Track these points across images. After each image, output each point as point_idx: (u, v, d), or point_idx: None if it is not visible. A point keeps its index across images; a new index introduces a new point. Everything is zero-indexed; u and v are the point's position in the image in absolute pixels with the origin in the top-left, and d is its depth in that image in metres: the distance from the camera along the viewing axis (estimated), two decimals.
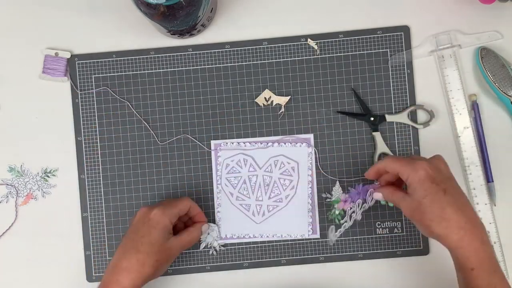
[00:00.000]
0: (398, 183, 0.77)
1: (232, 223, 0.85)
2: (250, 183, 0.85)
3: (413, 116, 0.85)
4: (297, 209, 0.84)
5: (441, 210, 0.68)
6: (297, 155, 0.85)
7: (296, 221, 0.84)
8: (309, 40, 0.85)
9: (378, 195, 0.76)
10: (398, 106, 0.85)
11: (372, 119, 0.84)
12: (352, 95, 0.85)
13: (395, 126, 0.85)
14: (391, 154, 0.84)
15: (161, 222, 0.75)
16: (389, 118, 0.85)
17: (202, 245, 0.84)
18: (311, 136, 0.85)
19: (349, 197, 0.79)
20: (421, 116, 0.85)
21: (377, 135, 0.84)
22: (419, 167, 0.70)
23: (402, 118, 0.85)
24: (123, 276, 0.73)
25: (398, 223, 0.85)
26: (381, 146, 0.84)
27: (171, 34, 0.83)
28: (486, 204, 0.84)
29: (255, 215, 0.85)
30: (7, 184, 0.86)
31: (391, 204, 0.77)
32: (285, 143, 0.85)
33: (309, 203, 0.84)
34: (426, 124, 0.84)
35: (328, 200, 0.84)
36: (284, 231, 0.85)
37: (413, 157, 0.73)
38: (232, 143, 0.85)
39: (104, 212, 0.85)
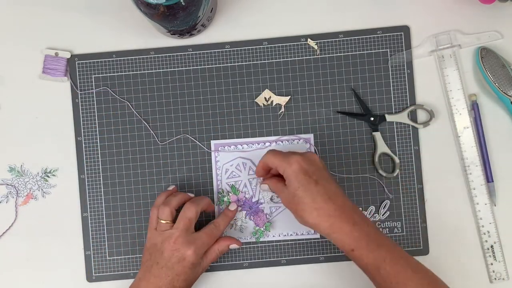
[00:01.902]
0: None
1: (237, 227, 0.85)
2: (251, 186, 0.85)
3: (413, 116, 0.85)
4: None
5: (312, 200, 0.72)
6: None
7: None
8: (309, 40, 0.85)
9: (264, 187, 0.81)
10: (398, 106, 0.85)
11: (372, 119, 0.84)
12: (352, 95, 0.85)
13: (395, 126, 0.85)
14: (391, 154, 0.84)
15: (196, 263, 0.77)
16: (389, 118, 0.85)
17: None
18: (311, 136, 0.85)
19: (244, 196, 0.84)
20: (421, 116, 0.85)
21: (377, 135, 0.84)
22: (293, 161, 0.73)
23: (402, 118, 0.85)
24: None
25: (398, 223, 0.85)
26: (381, 146, 0.84)
27: (171, 34, 0.83)
28: (486, 204, 0.84)
29: None
30: (7, 184, 0.86)
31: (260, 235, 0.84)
32: (282, 142, 0.85)
33: None
34: (426, 124, 0.84)
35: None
36: (290, 230, 0.85)
37: (289, 152, 0.76)
38: (230, 147, 0.85)
39: (104, 212, 0.85)
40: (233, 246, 0.82)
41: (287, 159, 0.74)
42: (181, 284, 0.76)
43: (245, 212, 0.84)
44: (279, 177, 0.78)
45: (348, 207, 0.73)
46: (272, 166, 0.76)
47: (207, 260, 0.79)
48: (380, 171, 0.84)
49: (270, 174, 0.80)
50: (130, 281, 0.84)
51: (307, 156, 0.75)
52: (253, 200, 0.84)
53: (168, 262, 0.76)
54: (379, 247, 0.72)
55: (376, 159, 0.84)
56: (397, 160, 0.84)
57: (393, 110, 0.85)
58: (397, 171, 0.84)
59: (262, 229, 0.84)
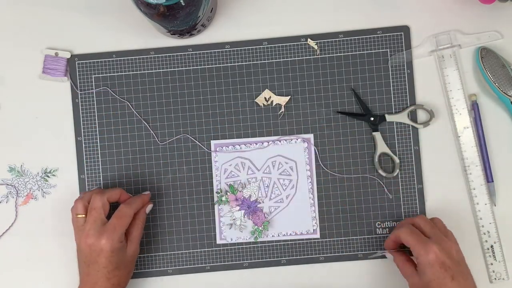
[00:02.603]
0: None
1: (236, 226, 0.85)
2: (249, 186, 0.85)
3: (413, 116, 0.85)
4: (300, 206, 0.84)
5: None
6: (294, 153, 0.85)
7: (300, 217, 0.84)
8: (309, 40, 0.85)
9: (389, 256, 0.80)
10: (398, 106, 0.85)
11: (372, 119, 0.84)
12: (352, 95, 0.85)
13: (395, 126, 0.85)
14: (391, 154, 0.84)
15: (115, 249, 0.75)
16: (389, 118, 0.85)
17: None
18: (311, 136, 0.85)
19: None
20: (421, 116, 0.85)
21: (377, 135, 0.84)
22: (430, 250, 0.72)
23: (402, 118, 0.85)
24: None
25: (398, 223, 0.85)
26: (381, 146, 0.84)
27: (171, 34, 0.83)
28: (486, 204, 0.84)
29: None
30: (7, 184, 0.86)
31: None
32: (280, 141, 0.85)
33: (310, 198, 0.84)
34: (426, 123, 0.84)
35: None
36: (289, 229, 0.85)
37: (426, 236, 0.74)
38: (228, 147, 0.85)
39: None
40: (149, 208, 0.81)
41: (424, 246, 0.72)
42: (115, 273, 0.76)
43: (244, 211, 0.84)
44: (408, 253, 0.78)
45: None
46: (406, 244, 0.74)
47: (133, 237, 0.78)
48: (380, 171, 0.84)
49: (397, 245, 0.79)
50: (130, 281, 0.84)
51: (446, 246, 0.73)
52: (252, 199, 0.85)
53: (91, 258, 0.75)
54: None
55: (376, 159, 0.84)
56: (397, 160, 0.84)
57: (393, 110, 0.85)
58: (397, 171, 0.84)
59: (260, 228, 0.84)
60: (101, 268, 0.75)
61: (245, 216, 0.84)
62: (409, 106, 0.85)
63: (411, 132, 0.85)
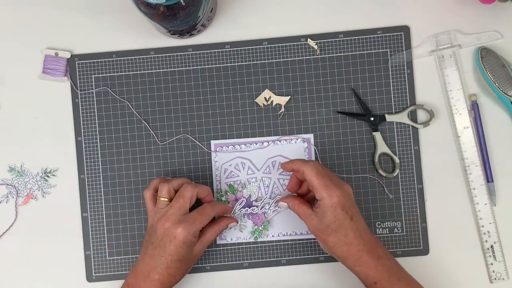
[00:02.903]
0: (302, 190, 0.81)
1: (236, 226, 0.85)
2: (249, 186, 0.85)
3: (413, 116, 0.85)
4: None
5: (345, 236, 0.74)
6: (294, 153, 0.85)
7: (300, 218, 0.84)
8: (309, 40, 0.85)
9: (283, 205, 0.80)
10: (398, 106, 0.85)
11: (372, 119, 0.84)
12: (352, 95, 0.85)
13: (395, 126, 0.85)
14: (391, 154, 0.84)
15: (187, 241, 0.76)
16: (389, 118, 0.85)
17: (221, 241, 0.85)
18: (311, 136, 0.85)
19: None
20: (421, 116, 0.85)
21: (377, 135, 0.84)
22: (334, 194, 0.73)
23: (402, 118, 0.85)
24: (156, 287, 0.76)
25: (398, 223, 0.85)
26: (381, 146, 0.84)
27: (171, 34, 0.83)
28: (486, 204, 0.84)
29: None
30: (7, 184, 0.86)
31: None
32: (280, 141, 0.85)
33: None
34: (426, 123, 0.84)
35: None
36: (289, 229, 0.85)
37: (331, 179, 0.75)
38: (228, 147, 0.85)
39: (104, 212, 0.85)
40: (232, 224, 0.82)
41: (328, 190, 0.73)
42: (175, 265, 0.76)
43: (244, 211, 0.84)
44: (299, 192, 0.80)
45: (373, 242, 0.75)
46: (308, 182, 0.75)
47: (205, 240, 0.79)
48: (380, 171, 0.84)
49: (291, 185, 0.81)
50: None
51: (345, 189, 0.75)
52: (251, 199, 0.84)
53: (160, 242, 0.76)
54: (400, 281, 0.75)
55: (376, 159, 0.84)
56: (397, 160, 0.84)
57: (393, 110, 0.85)
58: (397, 171, 0.84)
59: (260, 228, 0.84)
60: (167, 255, 0.75)
61: (245, 217, 0.84)
62: (409, 106, 0.85)
63: (411, 132, 0.85)
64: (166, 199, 0.78)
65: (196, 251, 0.78)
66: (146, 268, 0.76)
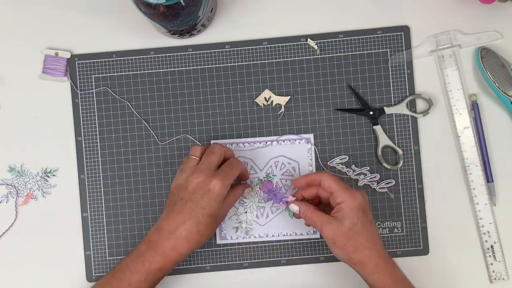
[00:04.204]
0: (313, 202, 0.80)
1: (233, 228, 0.85)
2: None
3: (412, 108, 0.85)
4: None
5: (366, 239, 0.73)
6: (297, 154, 0.85)
7: (301, 219, 0.84)
8: (309, 40, 0.85)
9: (294, 208, 0.79)
10: (396, 100, 0.85)
11: (371, 113, 0.84)
12: (352, 95, 0.85)
13: (394, 118, 0.85)
14: (394, 146, 0.84)
15: (221, 195, 0.74)
16: (388, 110, 0.84)
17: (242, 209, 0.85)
18: (311, 136, 0.85)
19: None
20: (420, 106, 0.85)
21: (378, 129, 0.84)
22: (356, 197, 0.73)
23: (401, 109, 0.84)
24: (182, 246, 0.74)
25: (398, 223, 0.85)
26: (383, 139, 0.84)
27: (171, 34, 0.83)
28: (486, 204, 0.84)
29: (259, 218, 0.85)
30: (7, 184, 0.86)
31: (291, 215, 0.83)
32: (284, 141, 0.85)
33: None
34: (425, 112, 0.84)
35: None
36: (290, 230, 0.84)
37: (347, 186, 0.75)
38: (231, 145, 0.85)
39: (104, 212, 0.85)
40: (248, 190, 0.82)
41: (350, 191, 0.73)
42: (206, 220, 0.74)
43: (272, 201, 0.84)
44: (313, 202, 0.79)
45: (385, 250, 0.75)
46: (328, 189, 0.75)
47: (228, 201, 0.77)
48: (385, 164, 0.84)
49: (301, 196, 0.79)
50: None
51: (363, 194, 0.75)
52: (282, 191, 0.85)
53: (192, 196, 0.74)
54: None
55: (379, 152, 0.84)
56: (400, 151, 0.84)
57: (392, 103, 0.85)
58: (401, 162, 0.84)
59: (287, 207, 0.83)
60: (199, 208, 0.73)
61: (273, 204, 0.84)
62: (408, 96, 0.84)
63: (410, 123, 0.85)
64: (197, 158, 0.77)
65: (224, 209, 0.77)
66: (173, 225, 0.74)
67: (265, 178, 0.85)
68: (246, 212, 0.85)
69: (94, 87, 0.86)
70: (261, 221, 0.85)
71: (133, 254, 0.76)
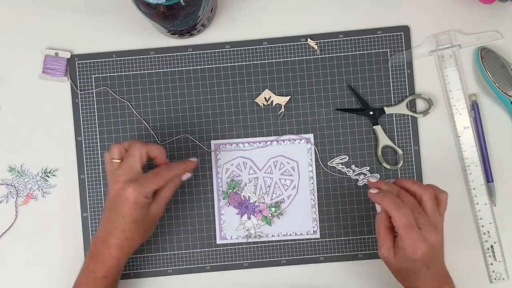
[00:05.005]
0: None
1: (236, 225, 0.85)
2: (246, 188, 0.85)
3: (412, 108, 0.85)
4: (300, 207, 0.84)
5: (415, 280, 0.72)
6: (296, 153, 0.85)
7: (300, 219, 0.84)
8: (309, 40, 0.85)
9: (378, 208, 0.74)
10: (396, 100, 0.85)
11: (371, 113, 0.84)
12: (352, 95, 0.85)
13: (394, 118, 0.85)
14: (394, 146, 0.84)
15: (139, 202, 0.73)
16: (388, 110, 0.84)
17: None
18: (311, 136, 0.85)
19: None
20: (420, 106, 0.85)
21: (378, 128, 0.84)
22: (418, 249, 0.68)
23: (401, 109, 0.84)
24: (115, 251, 0.75)
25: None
26: (383, 139, 0.84)
27: (171, 34, 0.83)
28: (486, 204, 0.84)
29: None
30: (7, 184, 0.86)
31: (269, 222, 0.83)
32: (283, 141, 0.85)
33: (311, 199, 0.84)
34: (425, 112, 0.84)
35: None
36: (289, 230, 0.85)
37: (421, 227, 0.70)
38: (231, 145, 0.85)
39: None
40: (185, 176, 0.78)
41: (414, 242, 0.68)
42: (130, 227, 0.74)
43: (243, 213, 0.84)
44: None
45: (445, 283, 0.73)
46: (396, 228, 0.70)
47: (161, 199, 0.75)
48: (384, 164, 0.84)
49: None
50: (130, 281, 0.84)
51: (432, 240, 0.69)
52: (251, 201, 0.84)
53: (113, 204, 0.74)
54: None
55: (379, 152, 0.84)
56: (400, 151, 0.84)
57: (392, 103, 0.85)
58: (401, 162, 0.84)
59: (269, 216, 0.84)
60: (120, 217, 0.73)
61: (245, 214, 0.84)
62: (408, 96, 0.84)
63: (410, 123, 0.85)
64: (118, 161, 0.75)
65: (154, 212, 0.75)
66: (104, 233, 0.75)
67: (229, 190, 0.84)
68: (250, 219, 0.84)
69: (94, 87, 0.86)
70: (261, 221, 0.85)
71: (82, 269, 0.77)
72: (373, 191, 0.72)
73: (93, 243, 0.77)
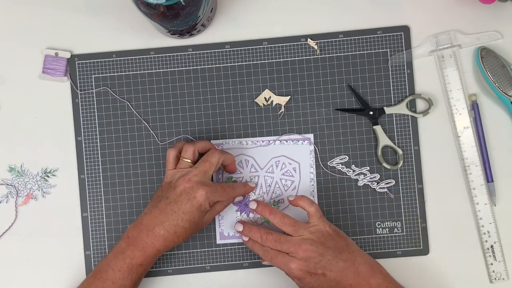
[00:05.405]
0: None
1: (234, 223, 0.85)
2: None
3: (412, 108, 0.85)
4: (300, 208, 0.84)
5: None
6: (298, 154, 0.85)
7: (300, 219, 0.84)
8: (309, 40, 0.85)
9: (238, 228, 0.81)
10: (396, 100, 0.85)
11: (371, 113, 0.84)
12: (352, 95, 0.85)
13: (394, 118, 0.85)
14: (394, 146, 0.84)
15: (204, 205, 0.76)
16: (388, 110, 0.84)
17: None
18: (311, 136, 0.85)
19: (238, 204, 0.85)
20: (420, 106, 0.85)
21: (378, 128, 0.84)
22: (293, 269, 0.75)
23: (401, 109, 0.84)
24: (159, 243, 0.76)
25: (398, 223, 0.85)
26: (383, 139, 0.84)
27: (171, 34, 0.83)
28: (486, 204, 0.84)
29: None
30: (7, 184, 0.86)
31: (267, 220, 0.83)
32: (286, 141, 0.85)
33: None
34: (425, 112, 0.84)
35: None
36: None
37: (286, 251, 0.77)
38: (234, 142, 0.85)
39: (104, 212, 0.85)
40: (239, 198, 0.83)
41: (286, 265, 0.76)
42: (184, 224, 0.75)
43: (240, 211, 0.84)
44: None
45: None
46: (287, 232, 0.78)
47: (214, 210, 0.79)
48: (384, 164, 0.84)
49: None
50: None
51: (306, 254, 0.75)
52: (251, 199, 0.84)
53: (177, 198, 0.75)
54: None
55: (379, 152, 0.84)
56: (400, 151, 0.84)
57: (392, 103, 0.85)
58: (401, 162, 0.84)
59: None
60: (180, 212, 0.75)
61: (244, 212, 0.84)
62: (408, 96, 0.84)
63: (410, 123, 0.85)
64: (189, 161, 0.78)
65: (205, 220, 0.79)
66: (153, 222, 0.76)
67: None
68: (248, 216, 0.84)
69: (94, 87, 0.86)
70: (259, 220, 0.85)
71: (113, 252, 0.77)
72: (245, 238, 0.80)
73: (134, 228, 0.77)
